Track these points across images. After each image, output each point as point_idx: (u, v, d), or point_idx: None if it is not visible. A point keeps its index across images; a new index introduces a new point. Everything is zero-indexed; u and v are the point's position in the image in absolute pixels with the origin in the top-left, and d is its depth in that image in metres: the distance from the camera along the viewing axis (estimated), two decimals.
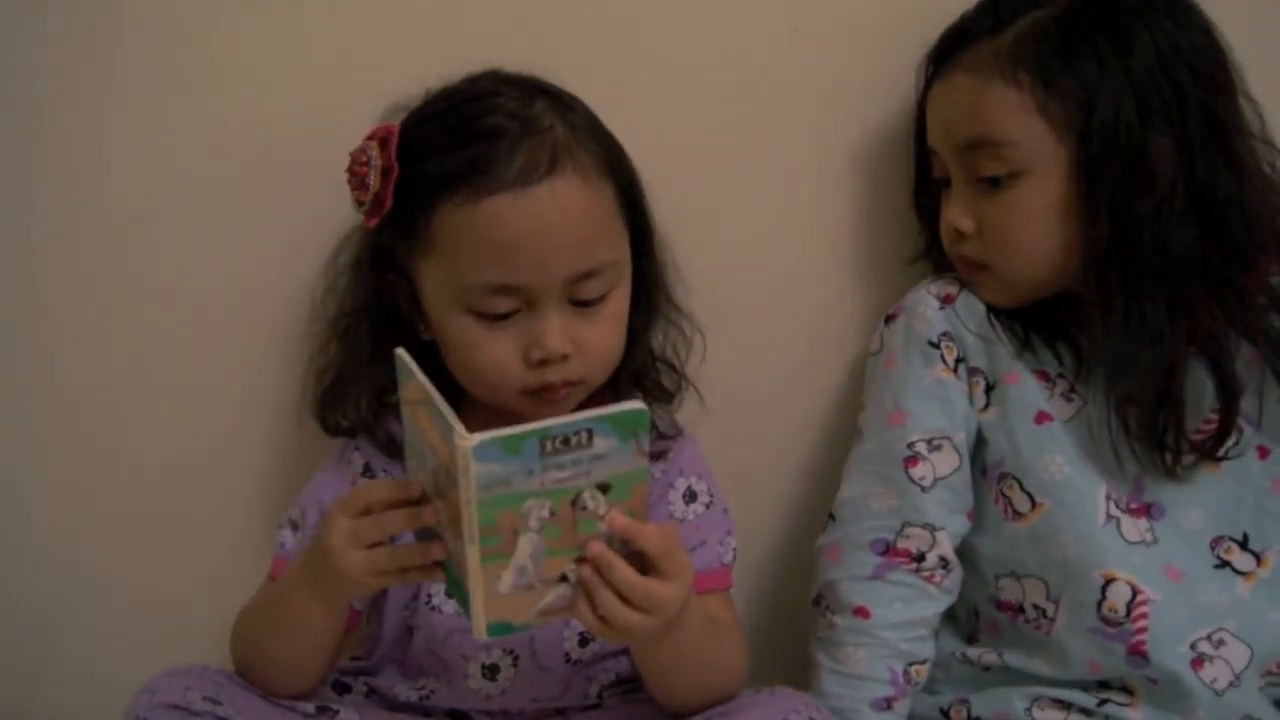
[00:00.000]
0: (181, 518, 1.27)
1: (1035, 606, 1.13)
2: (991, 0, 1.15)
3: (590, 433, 0.85)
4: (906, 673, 1.12)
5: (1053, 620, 1.11)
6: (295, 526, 1.10)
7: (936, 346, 1.16)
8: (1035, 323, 1.16)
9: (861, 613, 1.13)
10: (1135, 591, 1.09)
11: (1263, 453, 1.14)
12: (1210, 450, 1.11)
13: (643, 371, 1.15)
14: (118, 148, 1.21)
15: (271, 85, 1.21)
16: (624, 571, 0.89)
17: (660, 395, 1.16)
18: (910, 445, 1.14)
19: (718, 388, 1.21)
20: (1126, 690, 1.11)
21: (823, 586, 1.16)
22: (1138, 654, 1.09)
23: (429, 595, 1.09)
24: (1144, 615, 1.09)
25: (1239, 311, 1.11)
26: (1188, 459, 1.11)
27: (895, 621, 1.12)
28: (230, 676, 1.04)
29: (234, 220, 1.22)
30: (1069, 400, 1.14)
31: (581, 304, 1.04)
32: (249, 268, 1.23)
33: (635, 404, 0.87)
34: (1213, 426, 1.11)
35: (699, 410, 1.20)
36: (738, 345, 1.24)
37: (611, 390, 1.11)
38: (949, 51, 1.16)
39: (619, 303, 1.07)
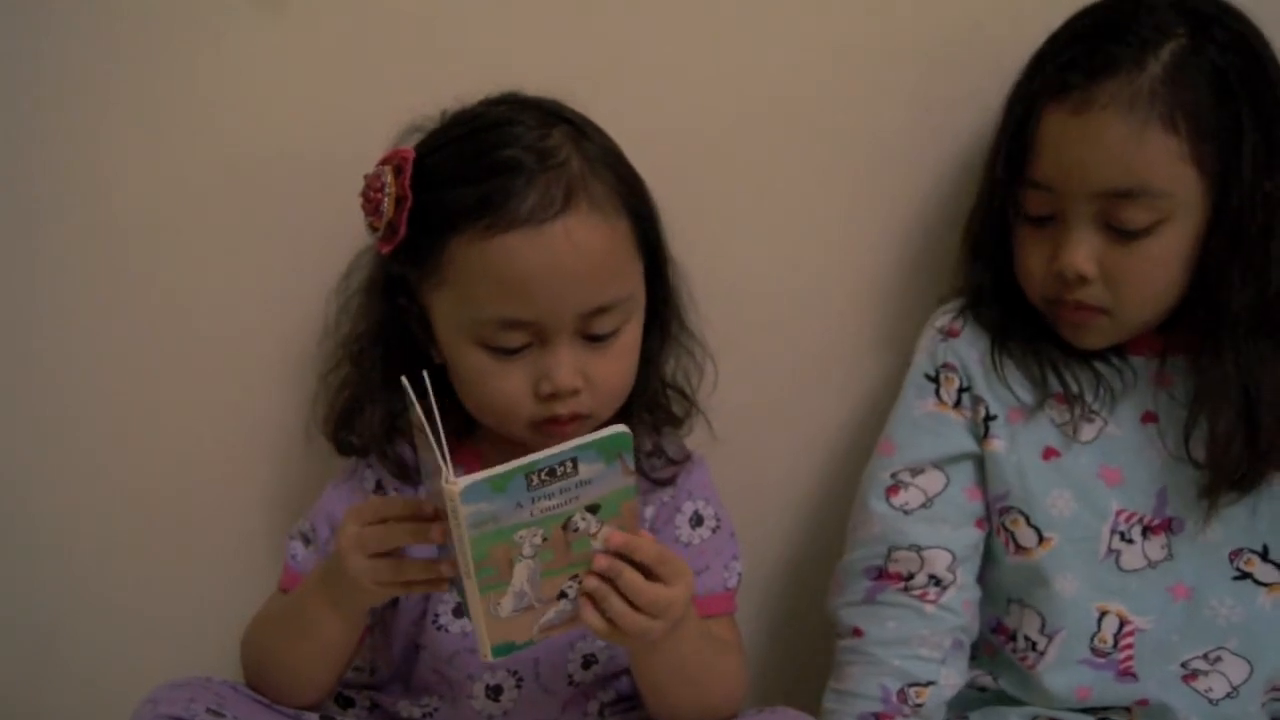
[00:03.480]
0: (187, 531, 1.27)
1: (1026, 639, 1.12)
2: (1119, 22, 1.06)
3: (575, 461, 0.86)
4: (902, 692, 1.11)
5: (1041, 655, 1.11)
6: (306, 539, 1.11)
7: (934, 380, 1.16)
8: (1057, 347, 1.15)
9: (857, 633, 1.13)
10: (1124, 622, 1.10)
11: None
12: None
13: (653, 398, 1.14)
14: (128, 161, 1.20)
15: (284, 99, 1.20)
16: (633, 578, 0.91)
17: (670, 421, 1.16)
18: (894, 475, 1.15)
19: (726, 410, 1.21)
20: (1124, 709, 1.10)
21: (829, 616, 1.17)
22: (1127, 674, 1.09)
23: (435, 615, 1.10)
24: (1130, 645, 1.09)
25: None
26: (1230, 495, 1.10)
27: (888, 639, 1.12)
28: (234, 688, 1.05)
29: (243, 236, 1.22)
30: (1090, 421, 1.13)
31: (594, 338, 1.03)
32: (258, 284, 1.23)
33: (618, 428, 0.87)
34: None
35: (708, 432, 1.20)
36: (746, 368, 1.24)
37: (623, 419, 1.09)
38: (1074, 83, 1.05)
39: (631, 336, 1.06)
